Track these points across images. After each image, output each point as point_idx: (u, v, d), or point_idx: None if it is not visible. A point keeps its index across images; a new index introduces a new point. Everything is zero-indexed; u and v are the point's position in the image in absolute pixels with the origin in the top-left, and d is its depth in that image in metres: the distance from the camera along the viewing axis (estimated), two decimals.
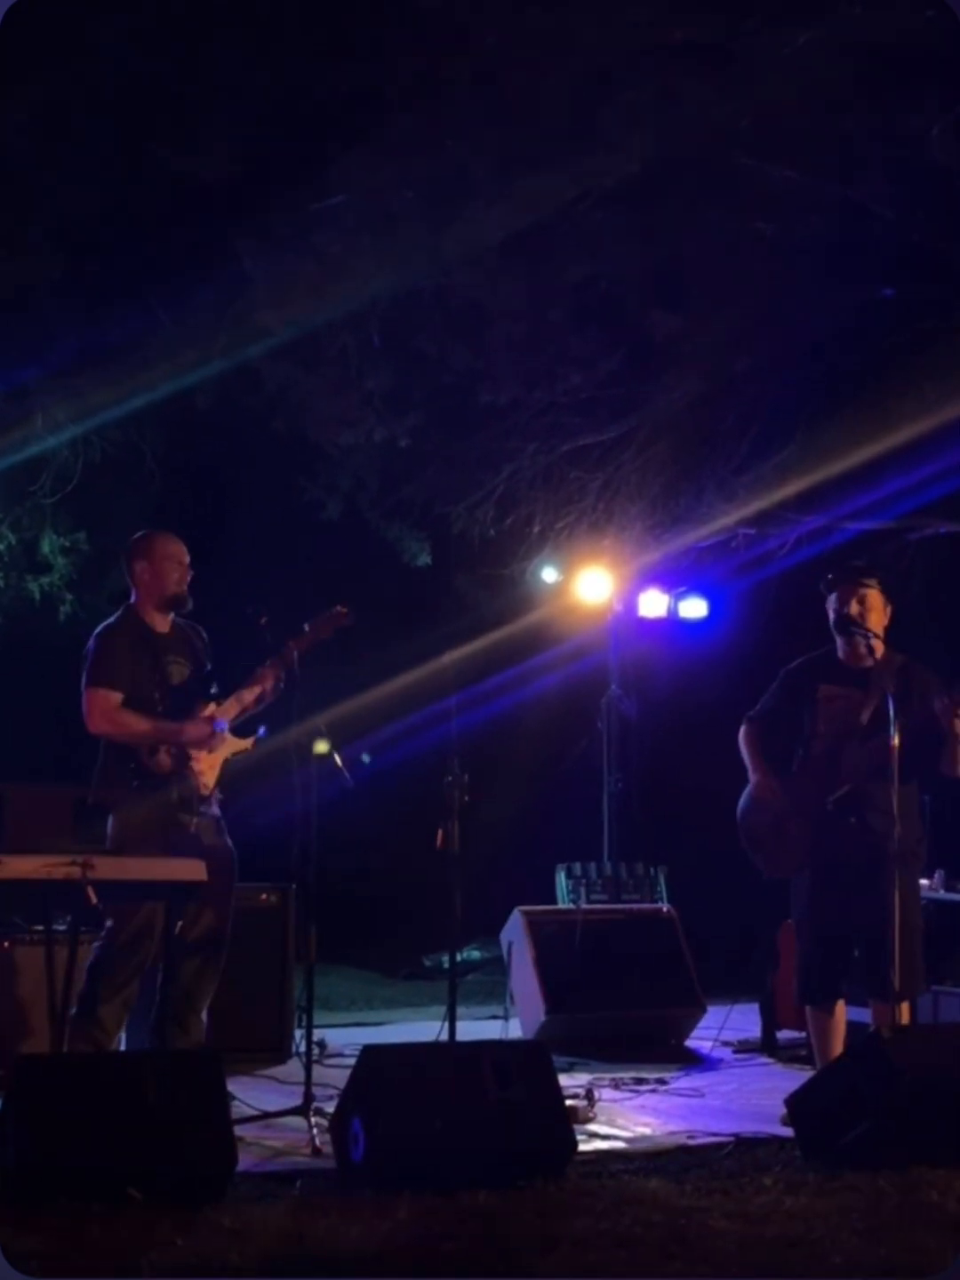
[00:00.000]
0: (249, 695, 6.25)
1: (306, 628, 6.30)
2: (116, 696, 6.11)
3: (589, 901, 8.98)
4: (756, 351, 8.73)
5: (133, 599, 6.35)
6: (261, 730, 6.22)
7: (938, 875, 7.57)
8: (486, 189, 7.07)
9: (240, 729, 6.31)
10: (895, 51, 6.53)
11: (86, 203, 7.45)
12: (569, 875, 9.38)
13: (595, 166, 6.96)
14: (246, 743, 6.27)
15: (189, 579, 6.31)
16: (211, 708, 6.21)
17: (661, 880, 9.38)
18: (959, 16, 6.01)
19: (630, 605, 10.26)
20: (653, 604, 10.34)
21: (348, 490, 9.87)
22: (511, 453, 9.60)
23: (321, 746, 6.01)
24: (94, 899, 5.33)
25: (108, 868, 5.36)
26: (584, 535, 10.07)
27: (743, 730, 6.55)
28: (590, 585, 10.01)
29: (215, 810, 6.25)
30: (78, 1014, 5.93)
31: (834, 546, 9.95)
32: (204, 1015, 6.19)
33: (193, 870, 5.60)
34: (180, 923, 5.83)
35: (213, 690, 6.27)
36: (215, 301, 8.01)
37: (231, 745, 6.23)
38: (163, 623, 6.31)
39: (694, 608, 10.48)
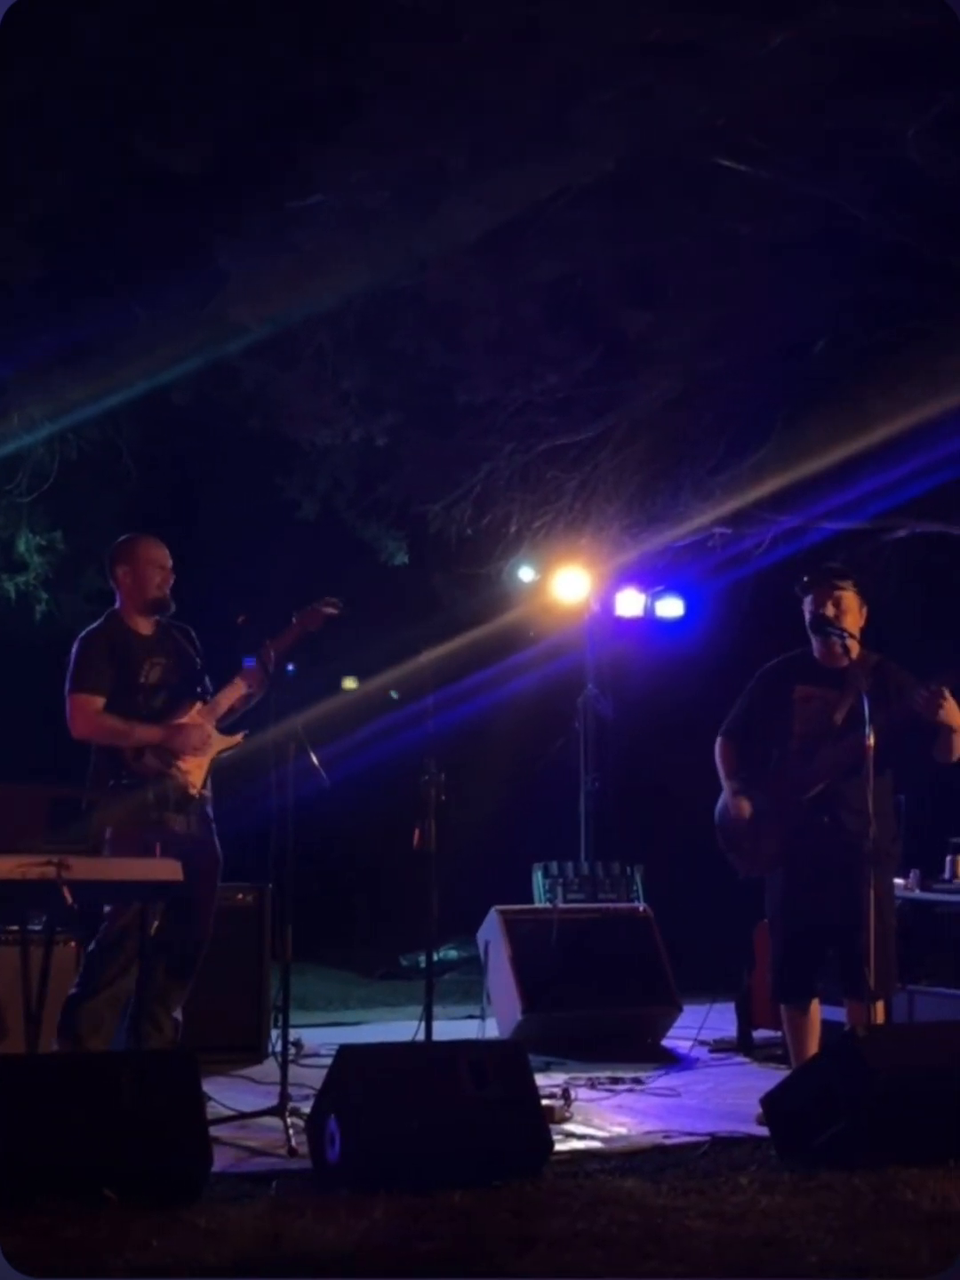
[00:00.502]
0: (232, 694, 6.24)
1: (294, 619, 6.29)
2: (98, 701, 6.11)
3: (566, 901, 8.98)
4: (732, 351, 8.74)
5: (117, 603, 6.35)
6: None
7: (913, 874, 7.59)
8: (462, 187, 7.07)
9: (228, 727, 6.30)
10: (872, 52, 6.54)
11: (63, 199, 7.43)
12: (546, 874, 9.38)
13: (571, 165, 6.96)
14: (234, 740, 6.26)
15: (171, 582, 6.31)
16: (199, 707, 6.20)
17: (638, 879, 9.39)
18: (959, 16, 6.01)
19: (607, 604, 10.29)
20: (629, 603, 10.37)
21: (325, 489, 9.86)
22: (488, 452, 9.61)
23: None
24: (70, 899, 5.31)
25: (83, 868, 5.34)
26: (561, 534, 10.09)
27: (719, 744, 6.56)
28: (567, 584, 10.03)
29: (206, 810, 6.24)
30: (64, 1007, 5.94)
31: (810, 546, 9.98)
32: (178, 1015, 6.17)
33: (169, 870, 5.59)
34: (156, 922, 5.81)
35: (200, 690, 6.26)
36: (192, 299, 8.00)
37: (219, 743, 6.22)
38: (146, 626, 6.30)
39: (670, 607, 10.52)
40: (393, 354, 8.65)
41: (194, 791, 6.11)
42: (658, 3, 6.37)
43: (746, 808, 6.36)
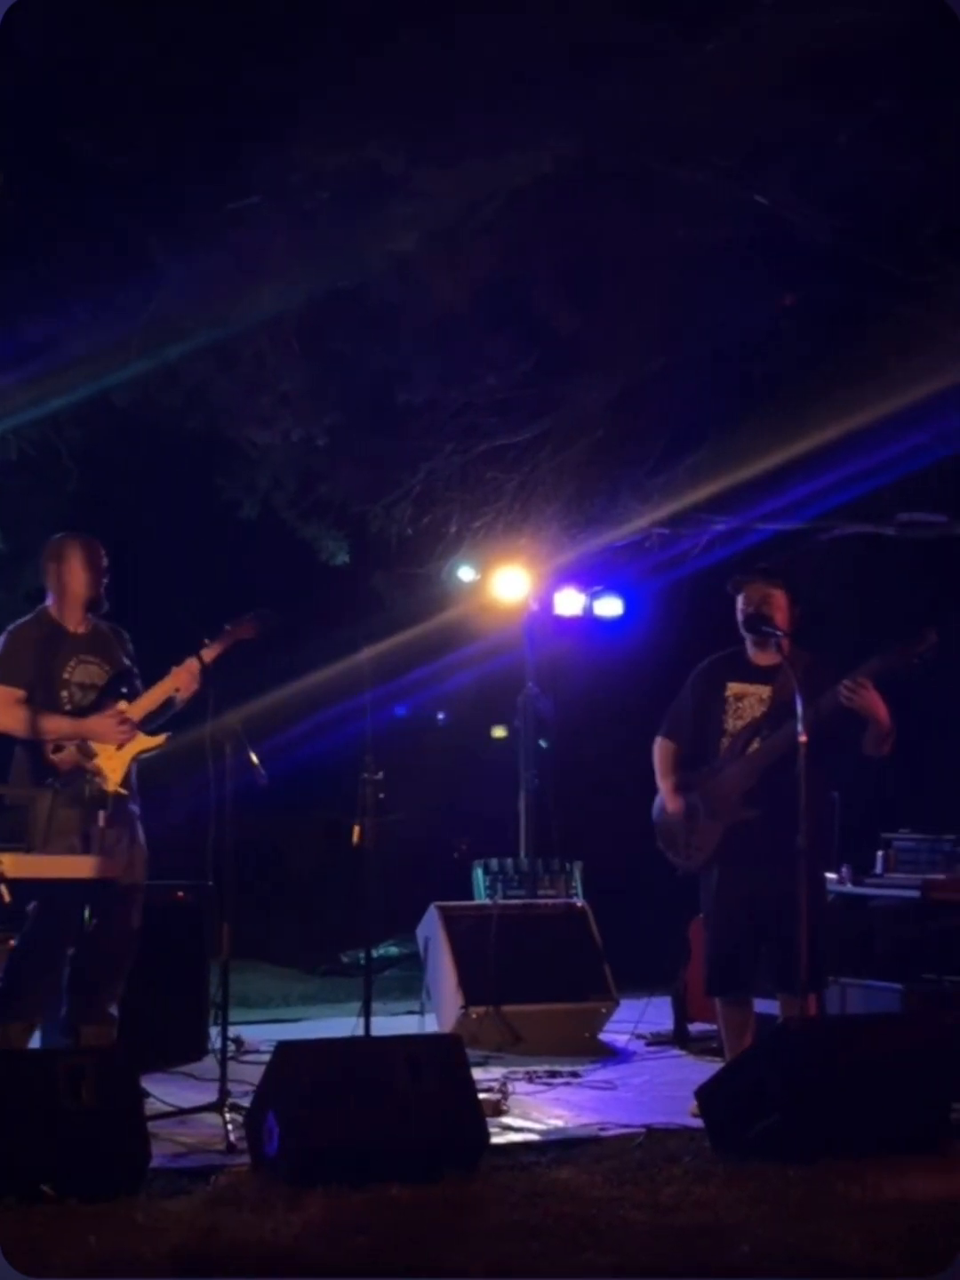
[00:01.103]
0: (157, 694, 6.20)
1: (227, 628, 6.27)
2: (16, 693, 6.08)
3: (505, 897, 8.99)
4: (669, 355, 8.76)
5: (48, 600, 6.32)
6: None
7: (844, 869, 7.63)
8: (401, 189, 7.05)
9: (156, 729, 6.26)
10: (807, 57, 6.56)
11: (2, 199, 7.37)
12: (486, 871, 9.39)
13: (508, 167, 6.95)
14: (157, 741, 6.22)
15: (105, 582, 6.28)
16: (122, 706, 6.16)
17: (577, 875, 9.40)
18: (958, 15, 6.05)
19: (546, 604, 10.30)
20: (568, 602, 10.39)
21: (265, 489, 9.82)
22: (428, 453, 9.59)
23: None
24: (7, 897, 5.28)
25: (17, 866, 5.31)
26: (500, 535, 10.09)
27: (657, 744, 6.59)
28: (506, 584, 10.03)
29: (131, 807, 6.20)
30: None
31: (747, 547, 10.02)
32: (114, 1011, 6.13)
33: (98, 868, 5.57)
34: (95, 920, 5.78)
35: (126, 690, 6.23)
36: (132, 300, 7.94)
37: (140, 743, 6.18)
38: (78, 623, 6.27)
39: (609, 606, 10.54)
40: (332, 355, 8.61)
41: (111, 788, 6.07)
42: (593, 6, 6.38)
43: (680, 807, 6.40)
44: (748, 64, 6.49)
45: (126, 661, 6.33)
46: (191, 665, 6.15)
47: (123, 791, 6.12)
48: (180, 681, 6.19)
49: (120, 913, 6.02)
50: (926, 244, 7.69)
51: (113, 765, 6.09)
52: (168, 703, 6.23)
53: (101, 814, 5.96)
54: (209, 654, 6.17)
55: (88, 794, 5.97)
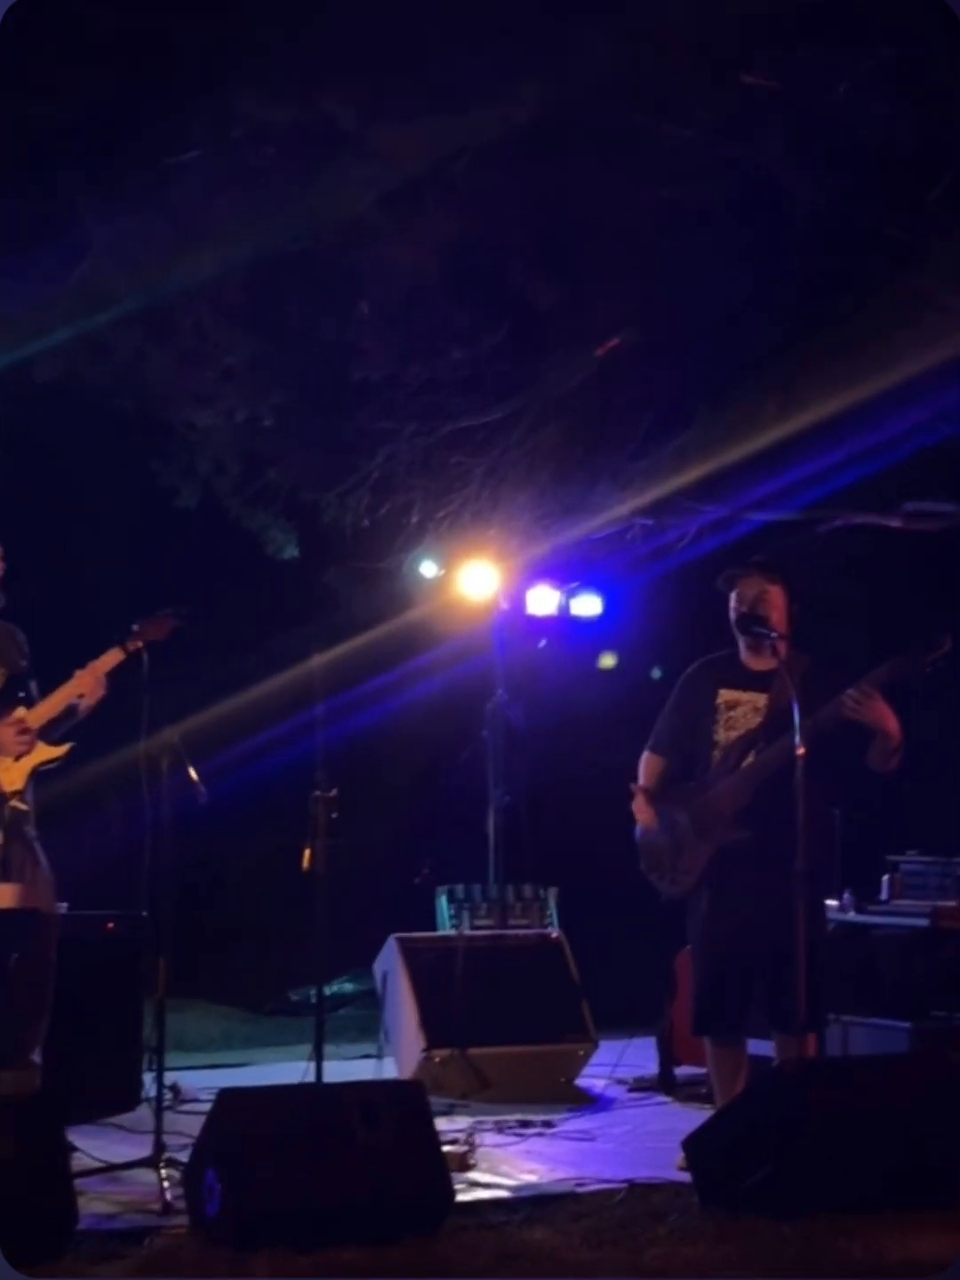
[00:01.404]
0: (58, 700, 6.16)
1: (135, 628, 6.23)
2: None
3: (473, 926, 8.99)
4: (651, 327, 8.77)
5: None
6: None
7: (846, 896, 7.65)
8: (357, 144, 7.05)
9: (58, 738, 6.22)
10: (799, 6, 6.59)
11: None
12: (451, 898, 9.38)
13: (471, 121, 6.95)
14: (58, 751, 6.18)
15: (1, 574, 6.25)
16: (21, 713, 6.13)
17: (552, 903, 9.41)
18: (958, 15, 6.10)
19: (517, 602, 10.30)
20: (542, 601, 10.40)
21: (206, 474, 9.80)
22: (387, 435, 9.59)
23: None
24: None
25: None
26: (467, 526, 10.10)
27: (643, 760, 6.60)
28: (474, 580, 10.03)
29: (28, 828, 6.14)
30: None
31: (737, 538, 10.04)
32: (37, 1056, 6.10)
33: (20, 896, 5.57)
34: (14, 956, 5.75)
35: (22, 694, 6.19)
36: (56, 264, 7.92)
37: (40, 754, 6.14)
38: None
39: (587, 605, 10.56)
40: (280, 326, 8.60)
41: (11, 804, 6.03)
42: None
43: (651, 818, 6.41)
44: (738, 6, 6.51)
45: (24, 663, 6.29)
46: (96, 668, 6.11)
47: (22, 807, 6.08)
48: (84, 686, 6.13)
49: (37, 945, 5.99)
50: (932, 205, 7.71)
51: (11, 778, 6.05)
52: (70, 710, 6.18)
53: (2, 834, 5.92)
54: (116, 656, 6.13)
55: (6, 815, 5.94)
